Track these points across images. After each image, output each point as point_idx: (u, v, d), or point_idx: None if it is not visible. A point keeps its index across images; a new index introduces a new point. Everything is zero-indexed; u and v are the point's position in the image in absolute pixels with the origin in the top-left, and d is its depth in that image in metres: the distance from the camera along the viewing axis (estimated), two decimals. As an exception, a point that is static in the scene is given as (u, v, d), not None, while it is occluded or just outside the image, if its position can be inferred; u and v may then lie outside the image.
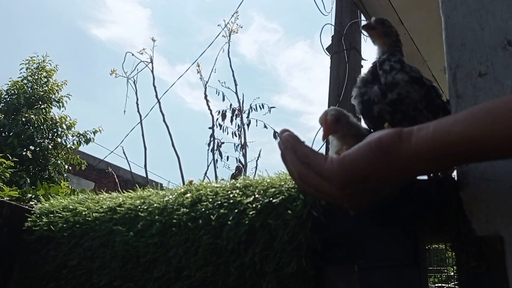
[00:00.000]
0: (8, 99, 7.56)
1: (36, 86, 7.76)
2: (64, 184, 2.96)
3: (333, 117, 0.76)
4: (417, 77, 0.83)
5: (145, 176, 5.70)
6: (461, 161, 0.52)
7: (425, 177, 0.74)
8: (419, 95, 0.82)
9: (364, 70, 0.91)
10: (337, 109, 0.79)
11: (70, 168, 7.81)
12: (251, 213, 0.80)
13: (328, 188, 0.55)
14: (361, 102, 0.86)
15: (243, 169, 5.21)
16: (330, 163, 0.55)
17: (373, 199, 0.58)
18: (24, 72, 7.89)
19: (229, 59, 5.93)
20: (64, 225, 1.09)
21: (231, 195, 0.87)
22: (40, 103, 7.61)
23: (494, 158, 0.51)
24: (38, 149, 7.14)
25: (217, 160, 5.42)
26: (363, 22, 3.28)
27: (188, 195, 0.95)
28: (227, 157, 5.50)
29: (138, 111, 5.97)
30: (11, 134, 7.09)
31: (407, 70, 0.84)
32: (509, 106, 0.46)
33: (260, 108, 5.72)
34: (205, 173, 5.31)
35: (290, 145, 0.60)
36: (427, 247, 0.71)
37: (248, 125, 5.69)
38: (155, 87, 5.98)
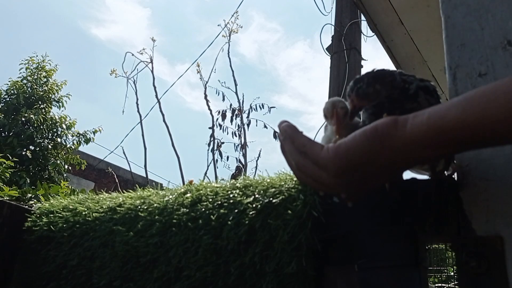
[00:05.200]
0: (8, 99, 7.56)
1: (35, 86, 7.76)
2: (64, 184, 2.96)
3: (344, 110, 0.74)
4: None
5: (145, 176, 5.70)
6: (457, 147, 0.51)
7: (425, 177, 0.74)
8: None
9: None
10: (343, 101, 0.77)
11: (70, 168, 7.81)
12: (251, 213, 0.80)
13: (324, 177, 0.55)
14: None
15: (243, 169, 5.21)
16: (326, 152, 0.54)
17: (370, 189, 0.57)
18: (23, 72, 7.89)
19: (229, 59, 5.94)
20: (64, 225, 1.09)
21: (231, 195, 0.87)
22: (39, 103, 7.61)
23: (490, 144, 0.50)
24: (38, 149, 7.13)
25: (217, 160, 5.43)
26: (363, 22, 3.28)
27: (188, 195, 0.95)
28: (227, 157, 5.51)
29: (138, 111, 5.98)
30: (10, 134, 7.09)
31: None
32: (503, 89, 0.45)
33: (260, 108, 5.73)
34: (205, 173, 5.31)
35: (288, 135, 0.59)
36: (427, 247, 0.71)
37: (248, 125, 5.70)
38: (155, 87, 5.99)
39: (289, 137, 0.59)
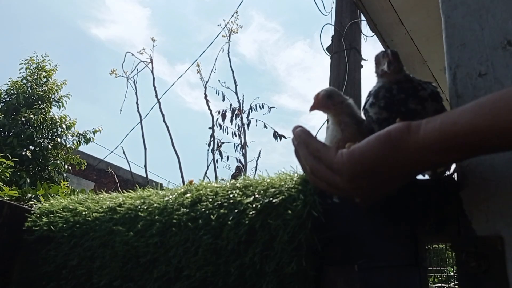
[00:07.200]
0: (8, 99, 7.56)
1: (35, 86, 7.76)
2: (64, 184, 2.95)
3: (325, 92, 0.76)
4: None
5: (145, 176, 5.69)
6: (468, 152, 0.51)
7: (426, 177, 0.74)
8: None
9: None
10: (332, 88, 0.78)
11: (70, 168, 7.80)
12: (251, 213, 0.80)
13: (338, 182, 0.56)
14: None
15: (243, 169, 5.21)
16: (340, 156, 0.55)
17: (384, 193, 0.58)
18: (23, 72, 7.89)
19: (229, 59, 5.92)
20: (64, 225, 1.09)
21: (231, 195, 0.87)
22: (39, 103, 7.61)
23: (501, 150, 0.51)
24: (38, 149, 7.13)
25: (217, 160, 5.42)
26: (363, 22, 3.28)
27: (188, 195, 0.95)
28: (227, 157, 5.50)
29: (138, 111, 5.97)
30: (10, 134, 7.08)
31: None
32: None
33: (260, 108, 5.72)
34: (205, 173, 5.30)
35: (302, 140, 0.61)
36: (427, 247, 0.71)
37: (248, 125, 5.68)
38: (155, 87, 5.97)
39: (303, 142, 0.60)
